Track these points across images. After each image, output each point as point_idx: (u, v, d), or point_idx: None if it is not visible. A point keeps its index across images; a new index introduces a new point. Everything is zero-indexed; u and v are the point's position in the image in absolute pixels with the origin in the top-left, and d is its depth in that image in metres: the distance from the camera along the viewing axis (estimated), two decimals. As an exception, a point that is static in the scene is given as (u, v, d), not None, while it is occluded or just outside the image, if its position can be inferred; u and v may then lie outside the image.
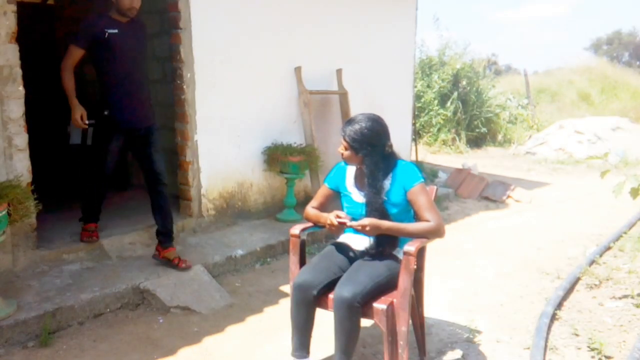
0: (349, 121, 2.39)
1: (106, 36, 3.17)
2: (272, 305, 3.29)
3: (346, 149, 2.38)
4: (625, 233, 4.69)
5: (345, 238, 2.57)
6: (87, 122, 3.32)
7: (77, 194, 4.96)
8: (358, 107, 4.84)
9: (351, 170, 2.52)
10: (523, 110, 12.45)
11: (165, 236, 3.52)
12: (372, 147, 2.33)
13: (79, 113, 3.27)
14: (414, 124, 7.42)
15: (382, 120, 2.41)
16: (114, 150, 3.42)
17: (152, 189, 3.52)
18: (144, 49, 3.48)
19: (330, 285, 2.30)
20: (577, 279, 3.65)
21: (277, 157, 4.60)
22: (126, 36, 3.26)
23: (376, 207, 2.33)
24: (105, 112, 3.30)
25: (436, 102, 10.83)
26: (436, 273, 3.74)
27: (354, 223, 2.30)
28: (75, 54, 3.24)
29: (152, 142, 3.48)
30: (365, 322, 2.26)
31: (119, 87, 3.29)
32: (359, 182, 2.47)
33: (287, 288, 3.43)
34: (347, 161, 2.45)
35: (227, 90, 4.42)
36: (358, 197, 2.44)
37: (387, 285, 2.29)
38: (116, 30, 3.21)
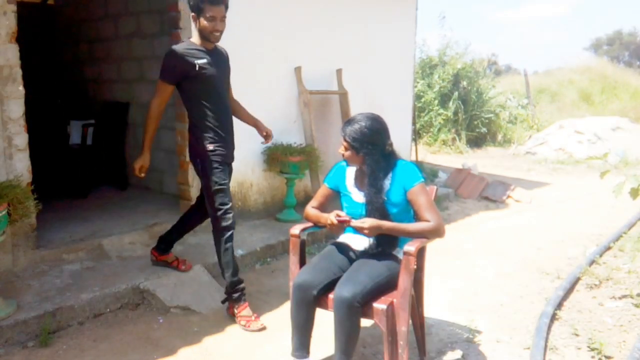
0: (348, 121, 2.39)
1: (197, 69, 2.88)
2: (272, 305, 3.30)
3: (347, 149, 2.38)
4: (625, 233, 4.69)
5: (345, 238, 2.57)
6: (143, 175, 3.07)
7: (77, 194, 4.99)
8: (358, 107, 4.83)
9: (351, 170, 2.52)
10: (523, 110, 12.45)
11: (168, 245, 3.46)
12: (372, 146, 2.33)
13: (139, 163, 3.01)
14: (414, 124, 7.42)
15: (382, 119, 2.41)
16: (227, 183, 3.06)
17: (201, 207, 3.22)
18: (229, 77, 3.18)
19: (330, 285, 2.30)
20: (577, 279, 3.65)
21: (277, 157, 4.60)
22: (214, 65, 2.97)
23: (377, 207, 2.32)
24: (210, 148, 2.98)
25: (436, 102, 10.83)
26: (436, 273, 3.74)
27: (354, 222, 2.30)
28: (165, 91, 2.96)
29: (231, 172, 3.22)
30: (365, 322, 2.26)
31: (215, 120, 2.99)
32: (358, 182, 2.47)
33: (287, 288, 3.42)
34: (349, 162, 2.45)
35: (227, 90, 4.42)
36: (358, 197, 2.44)
37: (387, 285, 2.29)
38: (205, 60, 2.91)
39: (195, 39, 2.97)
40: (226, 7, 2.90)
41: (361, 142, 2.33)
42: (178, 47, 2.94)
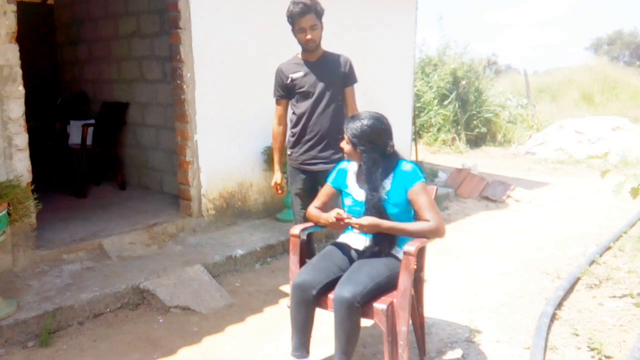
0: (352, 117, 2.42)
1: (289, 81, 3.07)
2: (272, 305, 3.29)
3: (347, 143, 2.41)
4: (625, 233, 4.69)
5: (345, 238, 2.57)
6: (280, 192, 3.37)
7: (77, 194, 4.99)
8: (358, 107, 4.82)
9: (353, 169, 2.53)
10: (523, 110, 12.44)
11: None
12: (371, 144, 2.35)
13: (273, 181, 3.35)
14: (414, 124, 7.42)
15: (386, 119, 2.42)
16: (300, 189, 3.26)
17: None
18: (339, 85, 3.15)
19: (330, 285, 2.30)
20: (577, 279, 3.64)
21: (277, 157, 4.59)
22: (313, 75, 3.04)
23: (373, 204, 2.33)
24: (288, 153, 3.25)
25: (435, 101, 10.83)
26: (436, 273, 3.74)
27: (353, 220, 2.30)
28: (277, 108, 3.25)
29: (310, 179, 3.22)
30: (365, 322, 2.26)
31: (300, 126, 3.12)
32: (360, 181, 2.48)
33: (287, 288, 3.43)
34: (347, 156, 2.48)
35: (227, 90, 4.42)
36: (359, 195, 2.45)
37: (387, 285, 2.29)
38: (300, 73, 3.04)
39: (300, 52, 3.10)
40: (317, 15, 2.93)
41: (360, 139, 2.34)
42: (281, 64, 3.14)
